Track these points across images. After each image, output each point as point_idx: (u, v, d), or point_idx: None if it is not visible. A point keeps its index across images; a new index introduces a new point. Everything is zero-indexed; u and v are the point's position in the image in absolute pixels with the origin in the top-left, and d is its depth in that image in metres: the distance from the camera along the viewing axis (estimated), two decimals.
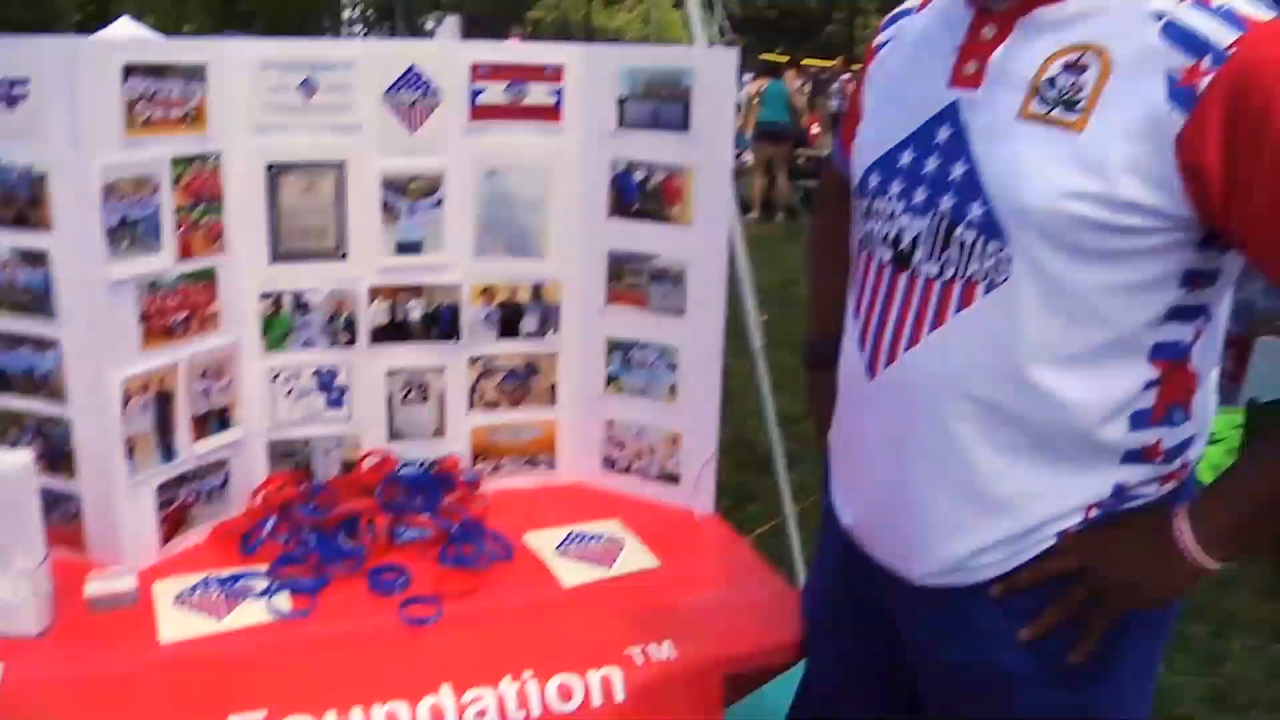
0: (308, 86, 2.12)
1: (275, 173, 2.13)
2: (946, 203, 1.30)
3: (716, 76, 2.11)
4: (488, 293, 2.31)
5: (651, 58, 2.17)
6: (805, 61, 14.99)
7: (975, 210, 1.27)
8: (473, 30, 15.30)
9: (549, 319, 2.34)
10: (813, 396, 1.90)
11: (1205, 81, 1.13)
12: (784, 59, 21.02)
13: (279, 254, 2.18)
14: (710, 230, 2.17)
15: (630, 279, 2.27)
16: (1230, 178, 1.14)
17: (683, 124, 2.13)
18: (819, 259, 1.91)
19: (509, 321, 2.34)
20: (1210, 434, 1.41)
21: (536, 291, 2.33)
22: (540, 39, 27.44)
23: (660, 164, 2.18)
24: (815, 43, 35.39)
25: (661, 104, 2.15)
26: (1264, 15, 1.16)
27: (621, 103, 2.19)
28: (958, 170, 1.29)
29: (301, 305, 2.21)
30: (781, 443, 3.13)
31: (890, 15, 1.58)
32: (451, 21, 10.57)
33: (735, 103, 2.20)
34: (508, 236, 2.29)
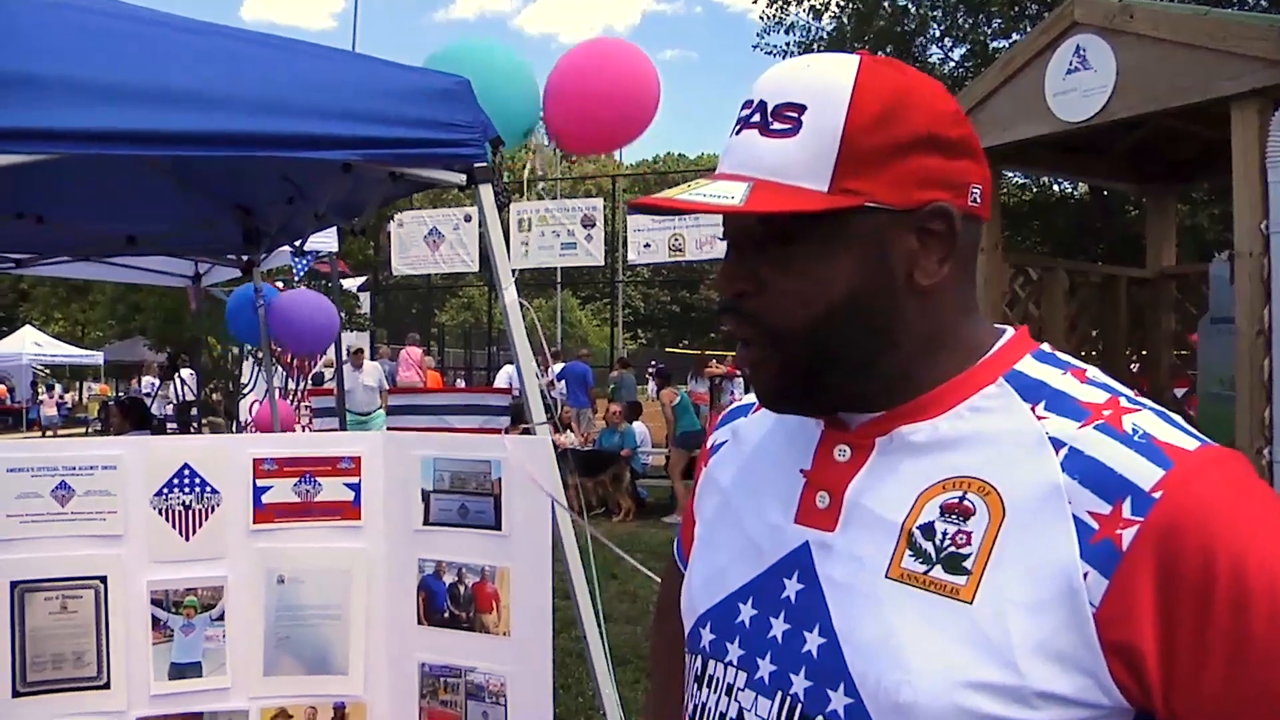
0: (62, 491, 1.85)
1: (21, 591, 1.83)
2: (800, 684, 0.97)
3: (531, 467, 1.88)
4: (281, 717, 1.98)
5: (456, 447, 1.94)
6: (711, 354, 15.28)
7: (838, 701, 0.93)
8: (374, 344, 15.47)
9: None
10: None
11: (1129, 535, 0.86)
12: (693, 353, 21.34)
13: (24, 686, 1.84)
14: (531, 640, 1.89)
15: (445, 695, 1.96)
16: (1169, 661, 0.86)
17: (495, 522, 1.89)
18: (655, 695, 1.57)
19: None
20: None
21: (339, 713, 2.00)
22: (447, 343, 27.87)
23: (472, 566, 1.91)
24: (719, 334, 36.47)
25: (469, 499, 1.90)
26: (1188, 443, 0.88)
27: (426, 497, 1.94)
28: (813, 641, 0.95)
29: None
30: None
31: (727, 411, 1.32)
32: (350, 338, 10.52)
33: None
34: (302, 652, 1.98)
